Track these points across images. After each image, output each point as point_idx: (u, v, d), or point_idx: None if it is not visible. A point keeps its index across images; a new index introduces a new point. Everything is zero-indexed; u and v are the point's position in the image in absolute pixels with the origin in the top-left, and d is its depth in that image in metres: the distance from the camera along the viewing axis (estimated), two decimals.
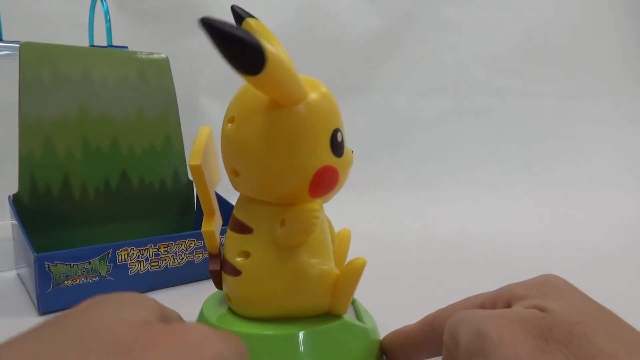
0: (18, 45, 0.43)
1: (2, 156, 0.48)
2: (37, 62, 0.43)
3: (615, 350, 0.18)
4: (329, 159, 0.26)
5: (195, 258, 0.45)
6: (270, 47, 0.21)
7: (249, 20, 0.29)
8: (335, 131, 0.26)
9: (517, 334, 0.19)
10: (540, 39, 0.88)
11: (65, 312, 0.20)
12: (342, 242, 0.32)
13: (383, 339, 0.30)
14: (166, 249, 0.43)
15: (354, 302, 0.33)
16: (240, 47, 0.20)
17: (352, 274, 0.27)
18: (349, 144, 0.29)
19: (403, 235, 0.64)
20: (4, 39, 0.47)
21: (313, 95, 0.26)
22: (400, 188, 0.81)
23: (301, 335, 0.26)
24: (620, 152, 0.87)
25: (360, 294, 0.34)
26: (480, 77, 0.88)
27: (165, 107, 0.50)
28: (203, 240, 0.45)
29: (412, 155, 0.85)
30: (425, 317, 0.27)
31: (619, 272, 0.50)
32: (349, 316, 0.29)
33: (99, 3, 0.51)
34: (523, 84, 0.88)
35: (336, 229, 0.32)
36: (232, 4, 0.29)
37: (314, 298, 0.28)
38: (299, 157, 0.25)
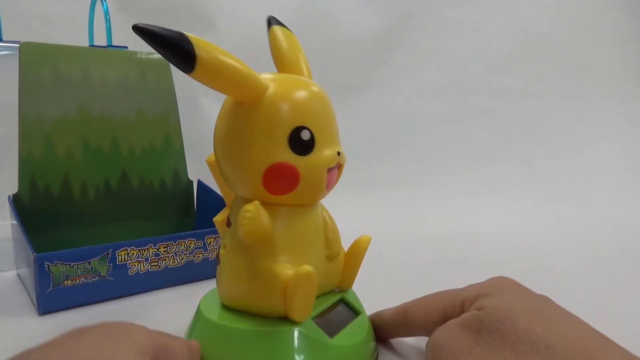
0: (18, 45, 0.43)
1: (2, 156, 0.48)
2: (37, 62, 0.43)
3: (534, 326, 0.22)
4: (285, 156, 0.26)
5: (195, 258, 0.45)
6: (203, 48, 0.23)
7: (274, 27, 0.31)
8: (298, 129, 0.26)
9: (459, 334, 0.25)
10: (540, 39, 0.88)
11: (48, 342, 0.19)
12: (355, 249, 0.32)
13: (369, 316, 0.33)
14: (166, 249, 0.43)
15: (358, 315, 0.32)
16: (169, 48, 0.23)
17: (296, 281, 0.26)
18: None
19: (403, 235, 0.64)
20: (4, 39, 0.47)
21: (273, 93, 0.26)
22: (400, 188, 0.81)
23: (258, 332, 0.27)
24: (620, 152, 0.87)
25: (361, 294, 0.34)
26: (480, 77, 0.88)
27: (165, 107, 0.50)
28: (203, 240, 0.45)
29: (411, 155, 0.85)
30: (400, 307, 0.32)
31: (619, 272, 0.50)
32: (310, 326, 0.28)
33: (99, 3, 0.51)
34: (523, 84, 0.88)
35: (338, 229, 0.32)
36: (268, 15, 0.32)
37: (264, 298, 0.27)
38: (250, 153, 0.26)
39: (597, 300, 0.41)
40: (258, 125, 0.26)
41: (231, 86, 0.25)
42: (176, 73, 0.51)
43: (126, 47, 0.50)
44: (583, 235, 0.64)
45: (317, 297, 0.31)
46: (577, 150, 0.87)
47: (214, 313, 0.29)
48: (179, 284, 0.45)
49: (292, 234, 0.28)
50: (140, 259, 0.42)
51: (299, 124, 0.26)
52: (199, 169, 0.51)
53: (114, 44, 0.50)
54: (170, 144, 0.50)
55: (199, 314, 0.30)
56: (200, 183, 0.53)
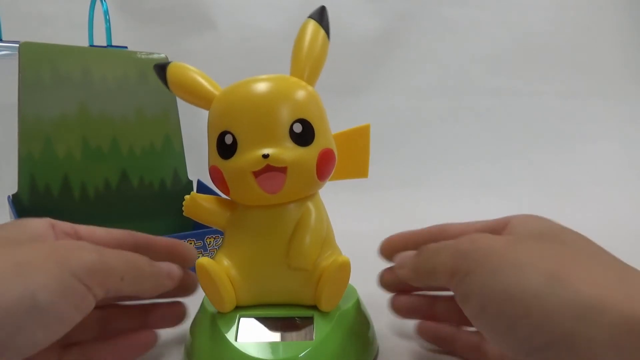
0: (18, 45, 0.43)
1: (2, 156, 0.49)
2: (37, 62, 0.43)
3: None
4: (215, 160, 0.28)
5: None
6: (174, 68, 0.29)
7: (307, 20, 0.32)
8: (223, 133, 0.28)
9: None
10: (540, 39, 0.88)
11: None
12: (326, 271, 0.29)
13: (385, 240, 0.32)
14: None
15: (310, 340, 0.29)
16: (156, 71, 0.30)
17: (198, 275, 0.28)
18: None
19: None
20: (4, 39, 0.47)
21: (214, 101, 0.29)
22: (400, 188, 0.81)
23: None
24: (620, 152, 0.87)
25: (360, 293, 0.34)
26: (480, 77, 0.88)
27: (165, 107, 0.50)
28: (203, 240, 0.45)
29: (411, 155, 0.85)
30: (432, 226, 0.31)
31: None
32: (229, 319, 0.29)
33: (98, 3, 0.51)
34: (523, 84, 0.88)
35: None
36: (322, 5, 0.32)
37: None
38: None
39: None
40: (207, 131, 0.29)
41: (190, 97, 0.30)
42: None
43: (126, 47, 0.50)
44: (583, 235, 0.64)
45: (281, 305, 0.30)
46: (578, 149, 0.87)
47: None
48: None
49: (239, 233, 0.29)
50: None
51: (223, 128, 0.28)
52: (199, 169, 0.51)
53: (113, 44, 0.50)
54: (170, 144, 0.50)
55: (203, 309, 0.31)
56: (200, 183, 0.53)
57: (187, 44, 0.76)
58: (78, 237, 0.29)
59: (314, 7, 0.31)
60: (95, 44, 0.52)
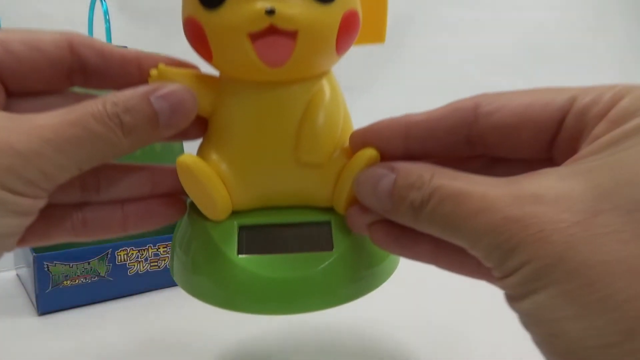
0: None
1: None
2: None
3: None
4: (194, 9, 0.21)
5: None
6: None
7: None
8: None
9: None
10: (540, 39, 0.88)
11: None
12: (350, 164, 0.23)
13: (362, 130, 0.23)
14: (165, 249, 0.43)
15: (328, 250, 0.23)
16: None
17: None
18: None
19: None
20: None
21: None
22: None
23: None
24: None
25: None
26: (480, 77, 0.88)
27: None
28: None
29: None
30: (452, 103, 0.21)
31: None
32: (226, 229, 0.22)
33: (98, 3, 0.51)
34: (523, 84, 0.88)
35: None
36: None
37: None
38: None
39: None
40: None
41: None
42: None
43: (126, 47, 0.50)
44: None
45: (288, 208, 0.24)
46: None
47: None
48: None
49: (230, 119, 0.22)
50: (139, 259, 0.42)
51: None
52: None
53: (113, 44, 0.50)
54: (170, 145, 0.50)
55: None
56: None
57: (187, 44, 0.76)
58: (7, 50, 0.21)
59: None
60: None
